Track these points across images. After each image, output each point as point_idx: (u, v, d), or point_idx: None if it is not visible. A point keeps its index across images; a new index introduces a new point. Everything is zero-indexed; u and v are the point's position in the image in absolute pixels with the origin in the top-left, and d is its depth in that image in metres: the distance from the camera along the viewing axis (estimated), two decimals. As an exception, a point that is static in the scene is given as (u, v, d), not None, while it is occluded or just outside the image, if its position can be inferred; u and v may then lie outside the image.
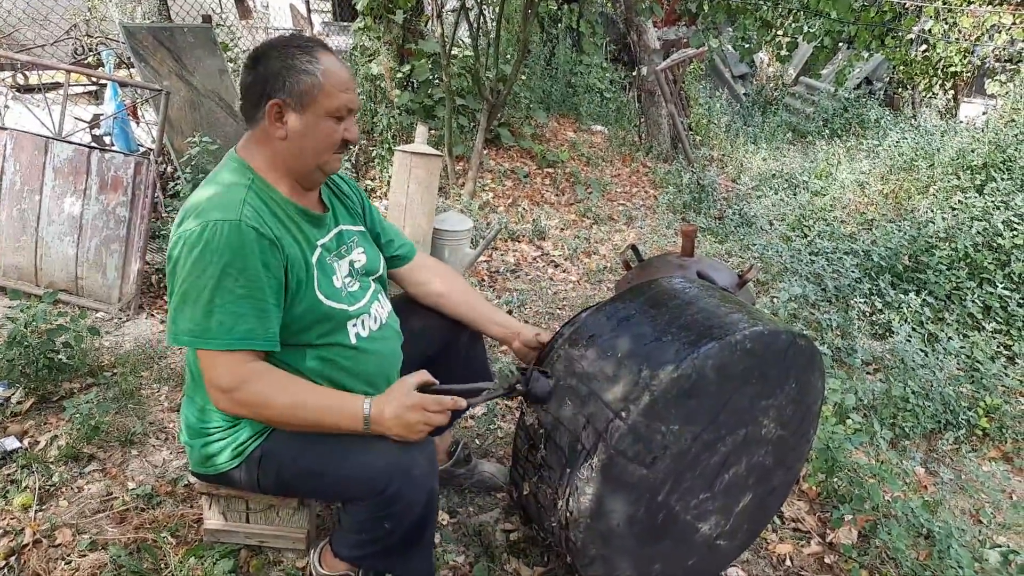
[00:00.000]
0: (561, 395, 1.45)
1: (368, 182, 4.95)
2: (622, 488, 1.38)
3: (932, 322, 3.47)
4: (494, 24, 5.41)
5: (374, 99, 5.51)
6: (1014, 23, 7.24)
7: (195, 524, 1.84)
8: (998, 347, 3.30)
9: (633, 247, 2.41)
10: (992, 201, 4.13)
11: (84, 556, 1.72)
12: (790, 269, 4.06)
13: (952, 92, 8.63)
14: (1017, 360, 3.24)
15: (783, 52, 6.74)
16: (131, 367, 2.58)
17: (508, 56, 6.48)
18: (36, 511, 1.86)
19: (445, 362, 1.82)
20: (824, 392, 1.69)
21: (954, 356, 3.06)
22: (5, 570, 1.67)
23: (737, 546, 1.76)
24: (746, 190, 6.00)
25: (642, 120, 7.14)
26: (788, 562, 1.97)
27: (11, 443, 2.09)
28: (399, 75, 5.59)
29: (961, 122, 7.31)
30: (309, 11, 9.80)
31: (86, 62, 5.79)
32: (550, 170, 5.87)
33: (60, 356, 2.44)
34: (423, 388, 1.41)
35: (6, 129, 3.11)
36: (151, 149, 3.33)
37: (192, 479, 1.62)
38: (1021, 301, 3.49)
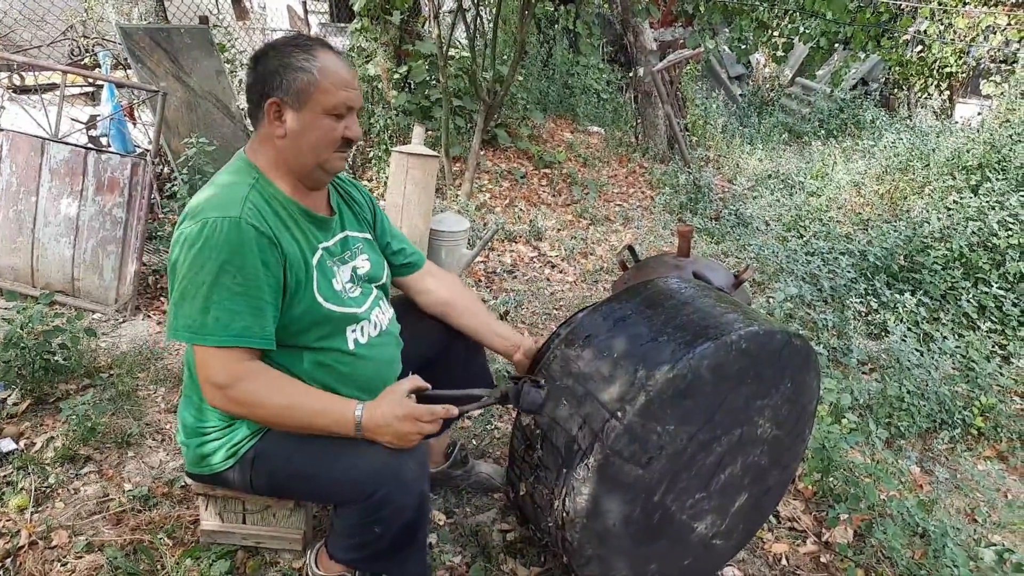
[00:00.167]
0: (557, 395, 1.45)
1: (365, 183, 4.95)
2: (618, 488, 1.39)
3: (927, 322, 3.48)
4: (491, 25, 5.41)
5: (371, 100, 5.51)
6: (1009, 24, 7.27)
7: (191, 525, 1.83)
8: (993, 347, 3.31)
9: (630, 247, 2.41)
10: (987, 201, 4.15)
11: (80, 558, 1.71)
12: (786, 269, 4.08)
13: (947, 93, 8.66)
14: (1012, 360, 3.25)
15: (779, 53, 6.75)
16: (127, 368, 2.58)
17: (505, 57, 6.49)
18: (32, 513, 1.86)
19: (445, 364, 1.83)
20: (820, 392, 1.69)
21: (949, 356, 3.07)
22: (1, 572, 1.67)
23: (733, 546, 1.77)
24: (742, 191, 6.02)
25: (639, 121, 7.15)
26: (784, 561, 1.98)
27: (7, 445, 2.08)
28: (396, 76, 5.60)
29: (956, 123, 7.33)
30: (306, 12, 9.80)
31: (83, 63, 5.78)
32: (547, 171, 5.87)
33: (56, 357, 2.44)
34: (416, 393, 1.41)
35: (2, 130, 3.10)
36: (148, 150, 3.32)
37: (188, 480, 1.62)
38: (1016, 301, 3.50)
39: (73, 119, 4.22)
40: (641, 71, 6.82)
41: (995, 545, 1.98)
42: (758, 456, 1.60)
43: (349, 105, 1.41)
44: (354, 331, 1.50)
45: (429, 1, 5.58)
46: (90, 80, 5.27)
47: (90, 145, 3.41)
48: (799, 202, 5.43)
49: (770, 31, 6.44)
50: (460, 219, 3.70)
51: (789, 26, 6.47)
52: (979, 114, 7.36)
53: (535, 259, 4.31)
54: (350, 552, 1.47)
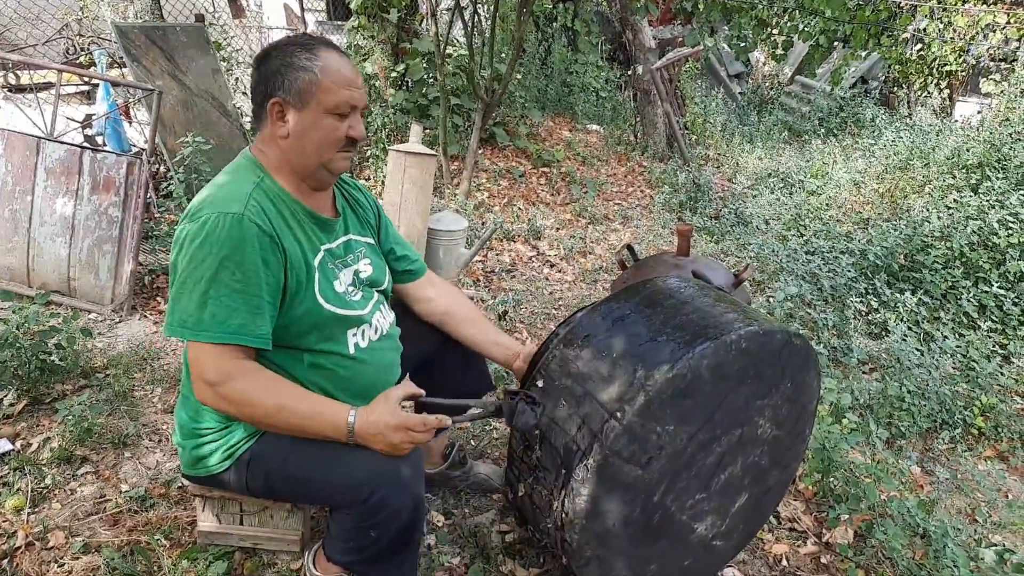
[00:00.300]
0: (556, 395, 1.44)
1: (362, 182, 4.92)
2: (617, 489, 1.38)
3: (928, 321, 3.48)
4: (489, 23, 5.40)
5: (368, 98, 5.50)
6: (1008, 22, 7.26)
7: (189, 526, 1.82)
8: (993, 346, 3.30)
9: (629, 247, 2.40)
10: (987, 200, 4.14)
11: (77, 559, 1.70)
12: (786, 268, 4.07)
13: (947, 91, 8.65)
14: (1012, 359, 3.25)
15: (779, 51, 6.75)
16: (124, 369, 2.56)
17: (503, 55, 6.47)
18: (28, 514, 1.85)
19: (441, 365, 1.82)
20: (820, 391, 1.69)
21: (950, 355, 3.07)
22: (-3, 573, 1.66)
23: (733, 546, 1.76)
24: (742, 189, 6.01)
25: (638, 119, 7.14)
26: (784, 562, 1.97)
27: (3, 445, 2.07)
28: (393, 74, 5.58)
29: (956, 121, 7.32)
30: (303, 10, 9.76)
31: (78, 62, 5.76)
32: (545, 169, 5.86)
33: (52, 358, 2.42)
34: (410, 400, 1.40)
35: (-2, 129, 3.09)
36: (143, 149, 3.31)
37: (185, 481, 1.61)
38: (1016, 300, 3.50)
39: (69, 118, 4.21)
40: (640, 69, 6.80)
41: (996, 545, 1.98)
42: (758, 456, 1.60)
43: (352, 104, 1.40)
44: (355, 335, 1.49)
45: (427, -1, 5.57)
46: (86, 79, 5.26)
47: (86, 144, 3.40)
48: (799, 201, 5.42)
49: (769, 29, 6.43)
50: (458, 218, 3.68)
51: (788, 24, 6.46)
52: (979, 112, 7.35)
53: (534, 258, 4.30)
54: (347, 555, 1.46)
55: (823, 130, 8.35)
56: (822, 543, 2.05)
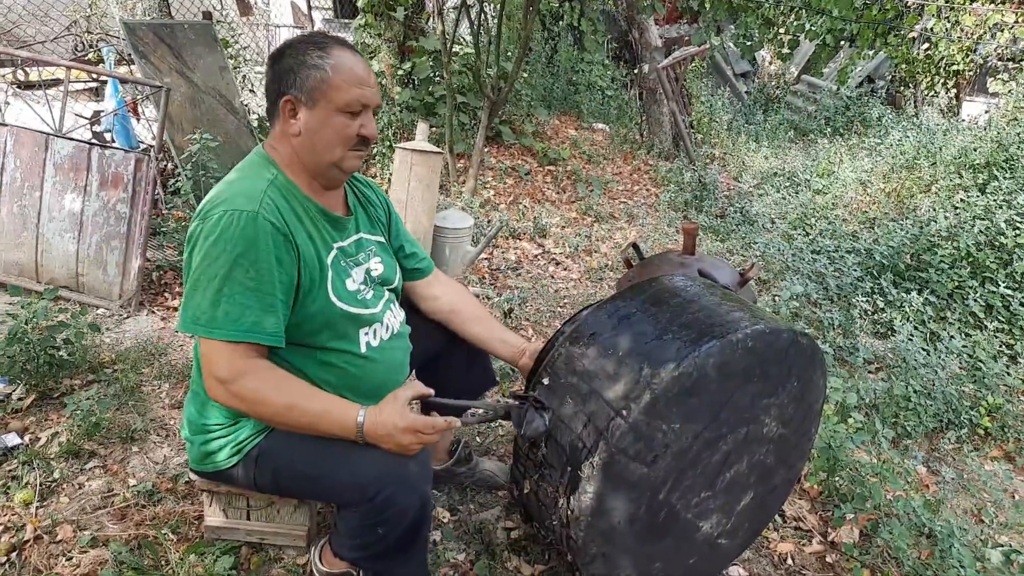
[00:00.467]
0: (562, 393, 1.44)
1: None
2: (623, 486, 1.38)
3: (934, 321, 3.47)
4: (495, 21, 5.40)
5: (376, 96, 5.51)
6: (1016, 21, 7.22)
7: (196, 521, 1.83)
8: (1000, 346, 3.29)
9: (634, 245, 2.41)
10: (994, 200, 4.12)
11: (85, 552, 1.72)
12: (792, 267, 4.06)
13: (954, 90, 8.61)
14: (1019, 359, 3.24)
15: (785, 50, 6.72)
16: (132, 364, 2.58)
17: (509, 53, 6.47)
18: (37, 507, 1.86)
19: (447, 362, 1.82)
20: (826, 391, 1.68)
21: (956, 355, 3.06)
22: (6, 566, 1.67)
23: (738, 545, 1.76)
24: (748, 188, 6.00)
25: (643, 118, 7.13)
26: (789, 561, 1.97)
27: (12, 439, 2.09)
28: (400, 72, 5.59)
29: (963, 120, 7.30)
30: (310, 8, 9.79)
31: (87, 59, 5.79)
32: (551, 168, 5.86)
33: (61, 352, 2.44)
34: (418, 399, 1.40)
35: (6, 125, 3.11)
36: (151, 146, 3.33)
37: (193, 476, 1.62)
38: (1023, 300, 3.48)
39: (77, 115, 4.23)
40: (646, 68, 6.79)
41: (1002, 546, 1.97)
42: (764, 455, 1.60)
43: (364, 103, 1.40)
44: (367, 333, 1.49)
45: (434, -3, 5.56)
46: (94, 76, 5.27)
47: (94, 141, 3.41)
48: (805, 200, 5.41)
49: (776, 28, 6.42)
50: (464, 216, 3.69)
51: (795, 23, 6.44)
52: (986, 112, 7.32)
53: (539, 256, 4.30)
54: (354, 551, 1.46)
55: (829, 129, 8.32)
56: (827, 542, 2.05)
